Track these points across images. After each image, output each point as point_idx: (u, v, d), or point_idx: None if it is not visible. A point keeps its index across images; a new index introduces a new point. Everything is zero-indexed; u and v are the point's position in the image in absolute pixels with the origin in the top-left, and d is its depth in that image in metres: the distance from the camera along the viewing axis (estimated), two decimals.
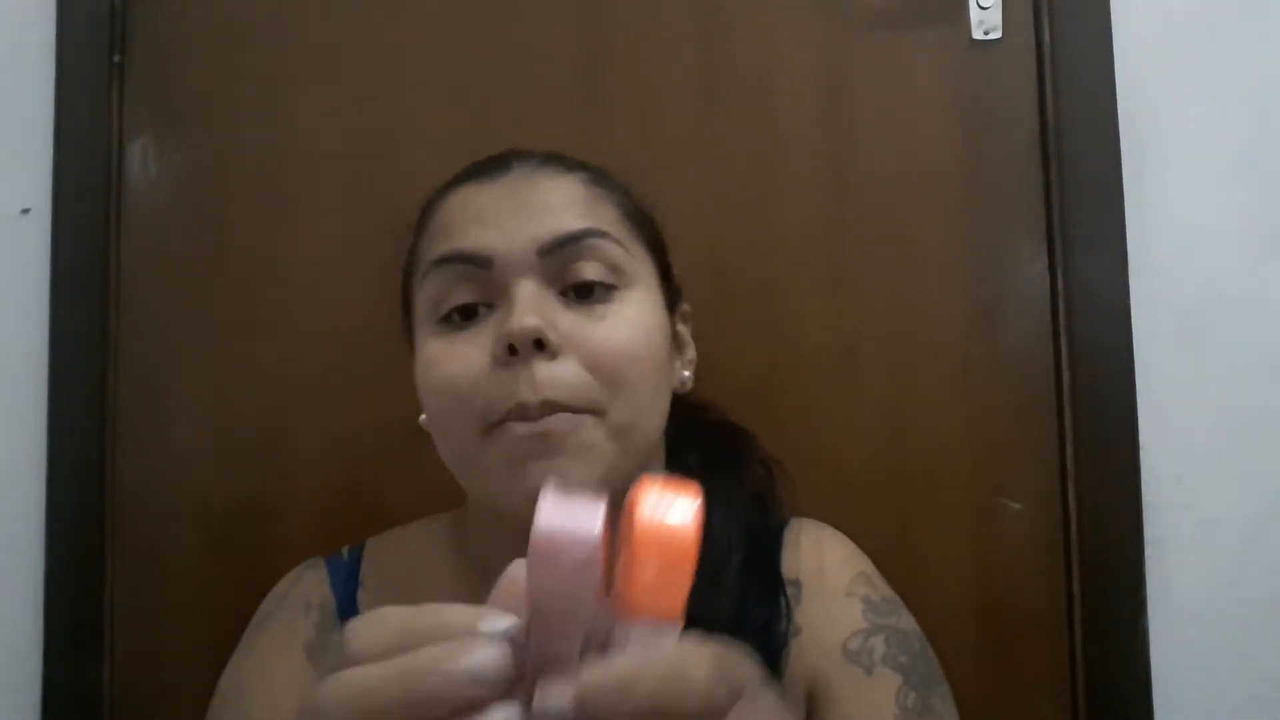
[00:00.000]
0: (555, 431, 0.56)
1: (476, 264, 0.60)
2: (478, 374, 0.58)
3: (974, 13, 0.98)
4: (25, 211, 1.02)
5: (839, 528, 0.74)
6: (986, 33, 0.98)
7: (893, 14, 0.99)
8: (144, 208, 1.02)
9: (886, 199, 0.98)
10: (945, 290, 0.97)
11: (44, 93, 1.02)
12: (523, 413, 0.56)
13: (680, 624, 0.30)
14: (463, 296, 0.61)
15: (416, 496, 0.76)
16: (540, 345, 0.56)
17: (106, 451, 0.99)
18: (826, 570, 0.68)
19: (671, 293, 0.69)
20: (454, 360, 0.59)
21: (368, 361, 0.96)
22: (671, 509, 0.30)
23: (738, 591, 0.63)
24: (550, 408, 0.56)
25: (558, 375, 0.57)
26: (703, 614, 0.58)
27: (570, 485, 0.53)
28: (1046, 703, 0.93)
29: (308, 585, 0.71)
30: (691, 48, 1.00)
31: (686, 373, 0.70)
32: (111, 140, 1.01)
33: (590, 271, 0.60)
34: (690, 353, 0.72)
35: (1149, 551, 0.93)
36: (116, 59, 1.02)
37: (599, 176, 0.67)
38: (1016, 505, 0.95)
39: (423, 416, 0.66)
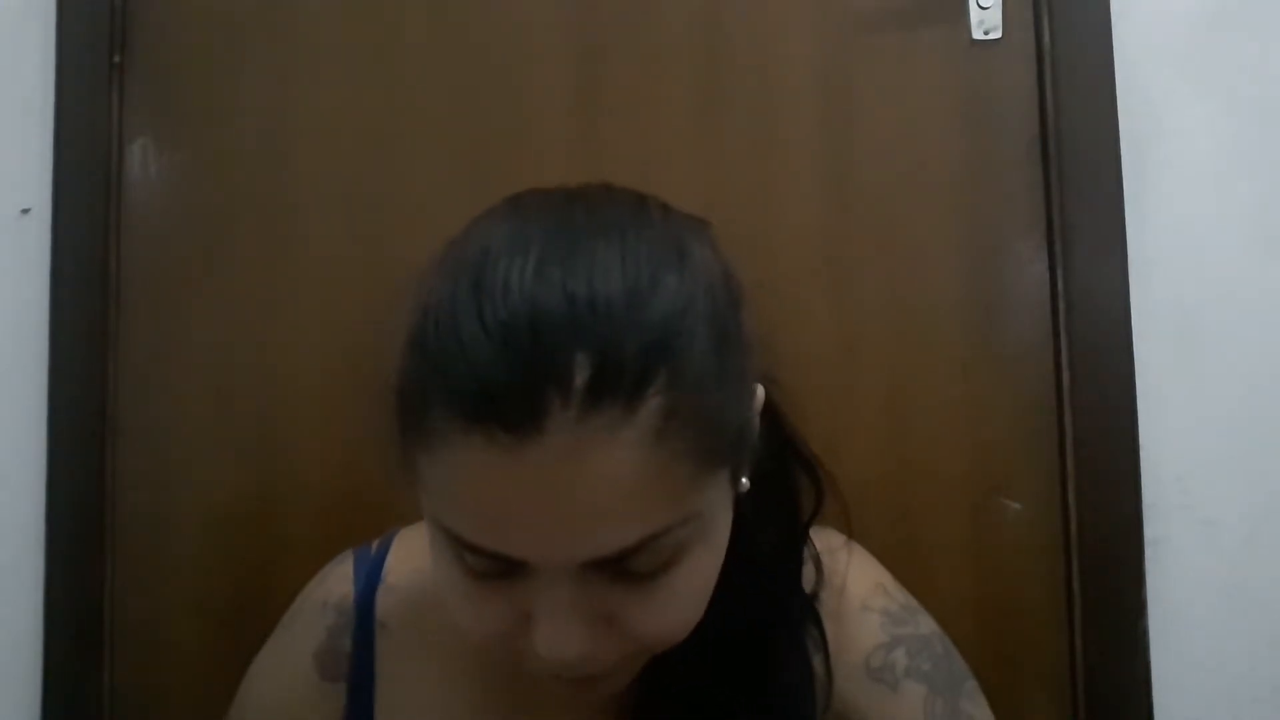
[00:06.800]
0: (586, 683, 0.51)
1: (505, 563, 0.47)
2: (504, 629, 0.49)
3: (974, 13, 0.98)
4: (25, 211, 1.02)
5: (838, 528, 0.73)
6: (986, 33, 0.98)
7: (893, 14, 0.99)
8: (144, 208, 1.02)
9: (886, 199, 0.98)
10: (945, 290, 0.97)
11: (44, 93, 1.02)
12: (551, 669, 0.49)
13: None
14: (485, 565, 0.48)
15: (417, 497, 0.76)
16: None
17: (106, 451, 0.99)
18: (844, 584, 0.63)
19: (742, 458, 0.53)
20: (474, 611, 0.50)
21: (368, 361, 0.96)
22: None
23: (764, 611, 0.59)
24: (586, 676, 0.50)
25: (599, 659, 0.48)
26: (725, 634, 0.56)
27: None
28: (1046, 702, 0.93)
29: (332, 582, 0.67)
30: (691, 48, 1.00)
31: (744, 479, 0.54)
32: (111, 140, 1.01)
33: (642, 565, 0.47)
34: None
35: (1149, 551, 0.93)
36: (116, 59, 1.02)
37: (677, 403, 0.43)
38: (1016, 505, 0.95)
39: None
